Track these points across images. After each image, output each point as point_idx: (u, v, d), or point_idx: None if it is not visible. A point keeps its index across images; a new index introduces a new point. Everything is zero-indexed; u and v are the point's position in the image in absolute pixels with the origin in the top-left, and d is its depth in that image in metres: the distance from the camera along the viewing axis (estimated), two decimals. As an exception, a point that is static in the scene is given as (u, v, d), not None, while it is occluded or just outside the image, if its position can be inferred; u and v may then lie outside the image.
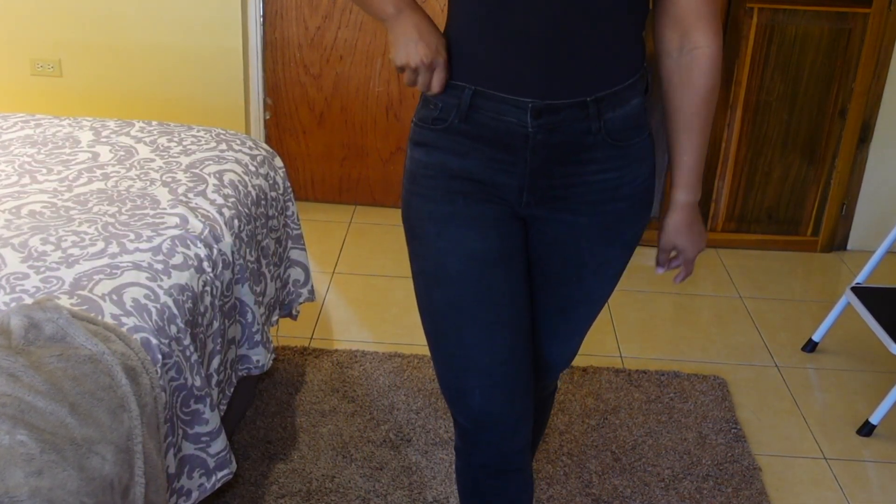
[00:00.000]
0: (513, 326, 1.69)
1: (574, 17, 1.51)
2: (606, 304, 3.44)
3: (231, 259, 2.18)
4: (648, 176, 1.71)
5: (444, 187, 1.65)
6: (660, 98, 1.70)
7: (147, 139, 2.63)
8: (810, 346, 3.26)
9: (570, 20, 1.51)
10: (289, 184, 2.72)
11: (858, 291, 3.03)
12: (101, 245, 2.00)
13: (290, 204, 2.70)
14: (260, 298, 2.38)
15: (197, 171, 2.43)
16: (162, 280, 1.92)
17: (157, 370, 1.74)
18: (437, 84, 1.59)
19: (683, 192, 1.70)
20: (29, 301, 1.77)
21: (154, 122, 2.77)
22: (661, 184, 3.93)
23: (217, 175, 2.42)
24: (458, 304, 1.66)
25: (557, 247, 1.71)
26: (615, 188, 1.66)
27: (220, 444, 1.97)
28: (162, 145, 2.59)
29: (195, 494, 1.95)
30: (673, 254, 1.77)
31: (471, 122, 1.60)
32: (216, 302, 2.09)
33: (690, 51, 1.61)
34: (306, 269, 2.75)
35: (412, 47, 1.57)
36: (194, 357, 1.89)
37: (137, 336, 1.75)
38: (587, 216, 1.67)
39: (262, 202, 2.50)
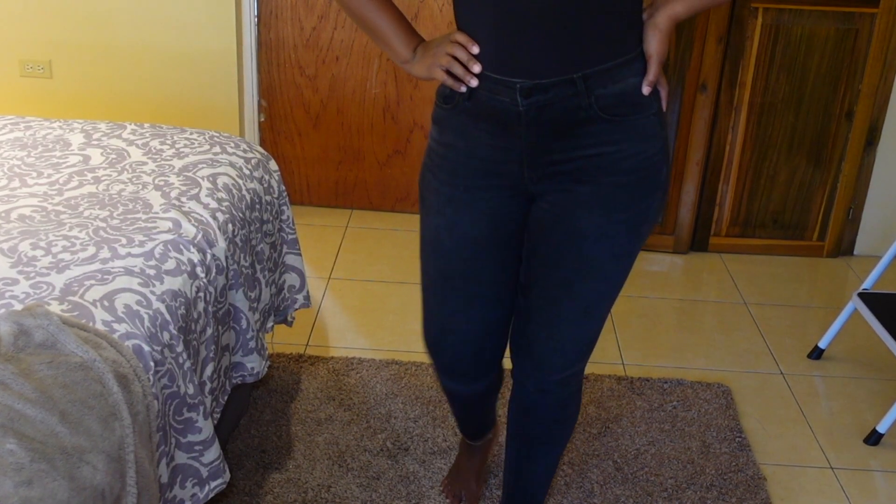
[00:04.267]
0: (491, 300, 1.91)
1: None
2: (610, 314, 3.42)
3: (225, 264, 2.16)
4: (654, 154, 1.75)
5: (449, 168, 1.82)
6: None
7: (139, 142, 2.60)
8: (816, 353, 3.22)
9: (556, 1, 1.60)
10: (284, 187, 2.69)
11: (865, 297, 3.00)
12: (92, 250, 1.97)
13: (285, 208, 2.68)
14: (254, 304, 2.36)
15: (190, 174, 2.40)
16: (154, 286, 1.89)
17: (149, 378, 1.71)
18: (468, 63, 1.71)
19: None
20: (18, 307, 1.74)
21: (146, 125, 2.74)
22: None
23: (210, 178, 2.39)
24: (447, 275, 1.90)
25: (558, 219, 1.78)
26: (614, 162, 1.73)
27: (213, 453, 1.95)
28: (154, 148, 2.56)
29: (188, 505, 1.92)
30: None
31: (473, 100, 1.74)
32: (210, 308, 2.06)
33: None
34: (302, 275, 2.73)
35: (441, 59, 1.74)
36: (187, 364, 1.87)
37: (129, 343, 1.72)
38: (588, 186, 1.74)
39: (257, 206, 2.47)
